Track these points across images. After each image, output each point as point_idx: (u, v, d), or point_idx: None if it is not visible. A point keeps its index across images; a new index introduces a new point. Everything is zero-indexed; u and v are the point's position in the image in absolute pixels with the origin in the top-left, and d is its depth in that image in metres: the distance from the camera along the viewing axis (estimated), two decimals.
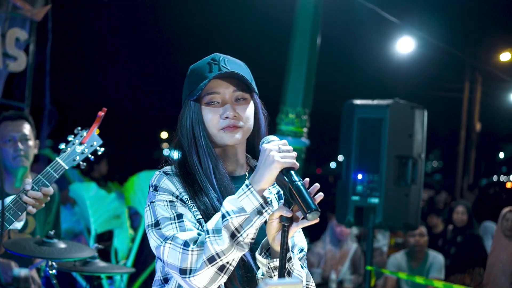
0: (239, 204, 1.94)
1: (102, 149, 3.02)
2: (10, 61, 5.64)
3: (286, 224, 2.03)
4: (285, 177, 1.96)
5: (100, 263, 3.68)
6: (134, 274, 5.10)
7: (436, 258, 6.60)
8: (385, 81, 11.71)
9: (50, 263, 3.44)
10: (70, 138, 2.97)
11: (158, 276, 2.16)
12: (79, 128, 3.00)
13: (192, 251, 1.93)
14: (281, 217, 2.01)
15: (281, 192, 2.08)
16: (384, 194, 4.76)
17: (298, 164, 1.98)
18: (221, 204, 2.02)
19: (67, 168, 2.93)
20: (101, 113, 2.87)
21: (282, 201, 2.04)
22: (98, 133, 2.99)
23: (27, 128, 3.95)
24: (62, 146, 2.95)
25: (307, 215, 1.90)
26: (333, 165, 35.94)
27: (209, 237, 1.92)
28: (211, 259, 1.91)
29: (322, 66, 6.68)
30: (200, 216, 2.06)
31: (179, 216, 2.04)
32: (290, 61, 6.06)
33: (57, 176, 2.93)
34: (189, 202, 2.08)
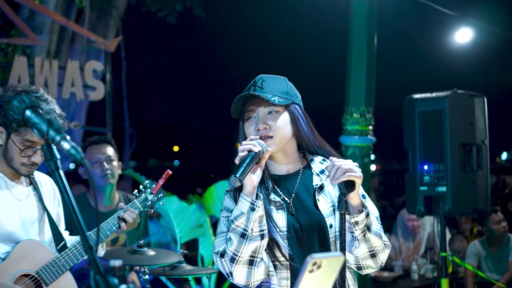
0: (238, 210, 2.39)
1: (163, 202, 3.52)
2: (90, 91, 6.13)
3: (342, 212, 2.32)
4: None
5: (187, 267, 4.00)
6: (222, 277, 5.43)
7: None
8: (448, 72, 11.66)
9: (142, 269, 3.82)
10: (141, 188, 3.44)
11: None
12: (147, 182, 3.46)
13: (224, 259, 2.43)
14: (338, 205, 2.35)
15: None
16: (451, 182, 4.88)
17: (255, 147, 2.39)
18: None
19: (142, 210, 3.39)
20: (168, 173, 3.39)
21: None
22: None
23: (111, 150, 4.44)
24: (136, 192, 3.44)
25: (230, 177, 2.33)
26: None
27: (226, 244, 2.40)
28: (232, 259, 2.40)
29: (382, 63, 6.83)
30: None
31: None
32: (349, 63, 6.26)
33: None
34: None
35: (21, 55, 5.71)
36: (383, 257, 2.51)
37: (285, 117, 2.55)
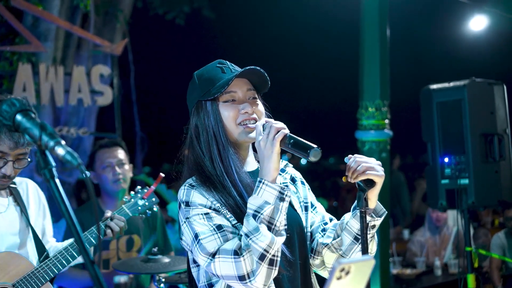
0: (261, 200, 2.05)
1: (156, 207, 3.51)
2: (98, 97, 6.02)
3: (362, 210, 2.18)
4: (288, 146, 2.12)
5: None
6: None
7: None
8: (464, 61, 11.49)
9: (157, 277, 3.68)
10: (132, 193, 3.44)
11: (202, 282, 2.25)
12: (140, 187, 3.47)
13: (243, 256, 2.03)
14: (357, 202, 2.19)
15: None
16: (473, 174, 4.72)
17: (286, 128, 2.13)
18: (243, 199, 2.16)
19: (131, 215, 3.34)
20: (161, 177, 3.37)
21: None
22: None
23: (122, 154, 4.33)
24: (127, 197, 3.43)
25: (309, 156, 2.06)
26: None
27: (251, 238, 2.03)
28: (262, 257, 2.03)
29: (395, 55, 6.68)
30: (236, 221, 2.15)
31: (219, 227, 2.12)
32: (362, 56, 6.09)
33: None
34: (222, 209, 2.16)
35: (26, 62, 5.60)
36: None
37: (262, 105, 2.36)
